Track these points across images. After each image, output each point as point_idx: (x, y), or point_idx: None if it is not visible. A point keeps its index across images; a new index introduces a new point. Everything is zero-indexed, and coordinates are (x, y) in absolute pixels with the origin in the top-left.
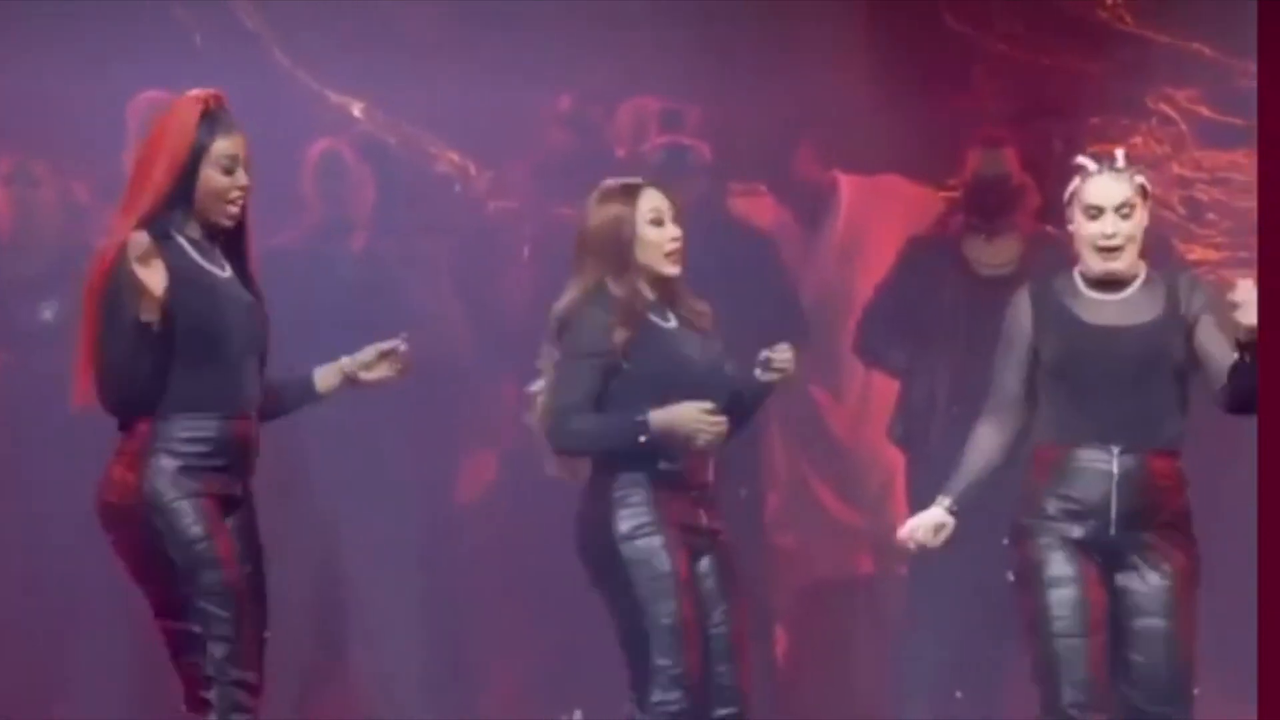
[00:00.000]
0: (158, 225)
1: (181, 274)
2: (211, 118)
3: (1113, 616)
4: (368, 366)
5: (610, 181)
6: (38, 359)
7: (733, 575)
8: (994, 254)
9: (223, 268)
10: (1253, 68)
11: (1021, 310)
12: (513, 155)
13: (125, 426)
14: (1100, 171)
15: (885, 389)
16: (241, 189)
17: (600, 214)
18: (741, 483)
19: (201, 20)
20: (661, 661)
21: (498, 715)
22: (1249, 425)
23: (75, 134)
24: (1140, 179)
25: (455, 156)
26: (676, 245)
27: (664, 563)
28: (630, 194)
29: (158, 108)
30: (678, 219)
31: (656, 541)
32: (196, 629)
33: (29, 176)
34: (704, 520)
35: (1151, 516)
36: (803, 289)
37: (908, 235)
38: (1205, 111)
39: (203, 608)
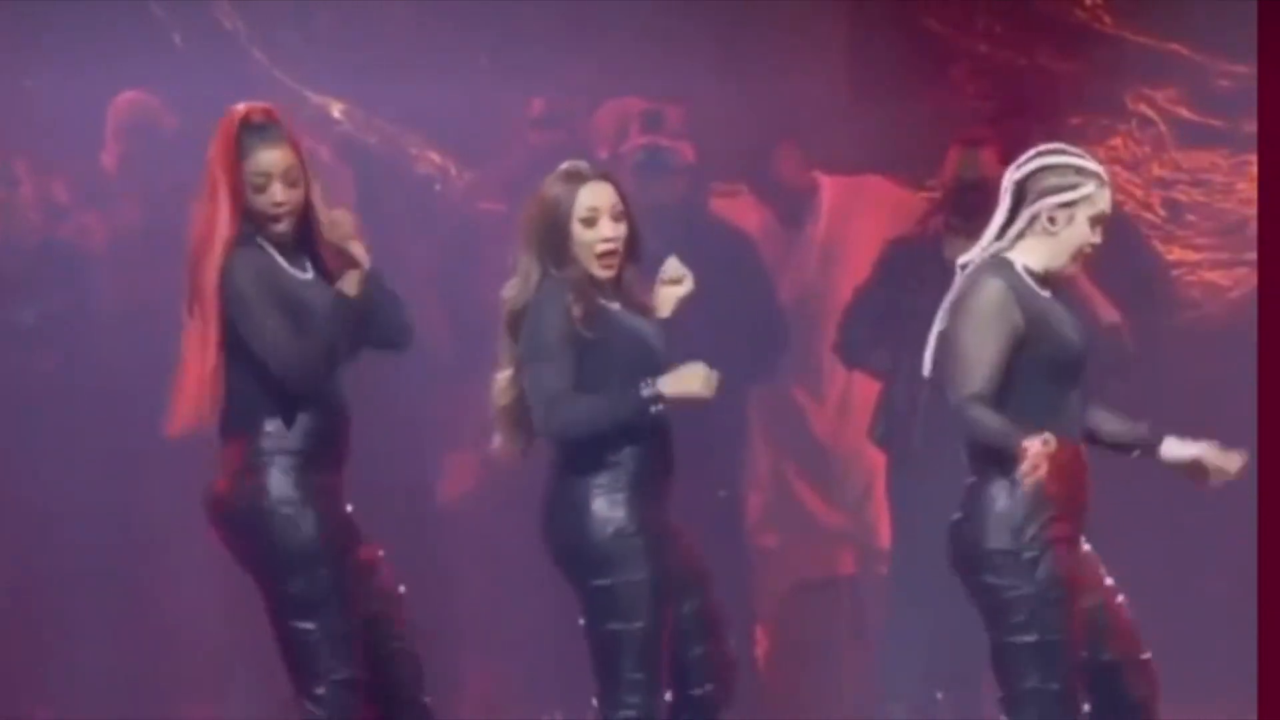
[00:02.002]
0: (243, 232)
1: (269, 277)
2: (243, 134)
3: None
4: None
5: (566, 165)
6: (16, 359)
7: (696, 557)
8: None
9: (305, 270)
10: (1232, 68)
11: (1007, 303)
12: (493, 155)
13: (227, 434)
14: (1104, 185)
15: (866, 390)
16: (279, 204)
17: (543, 200)
18: (723, 484)
19: (181, 20)
20: (630, 664)
21: (478, 717)
22: (1249, 425)
23: (55, 133)
24: None
25: (435, 157)
26: (609, 247)
27: (642, 568)
28: (572, 186)
29: (136, 107)
30: (624, 216)
31: (632, 542)
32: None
33: (8, 175)
34: (669, 516)
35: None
36: (783, 289)
37: (888, 236)
38: (1185, 112)
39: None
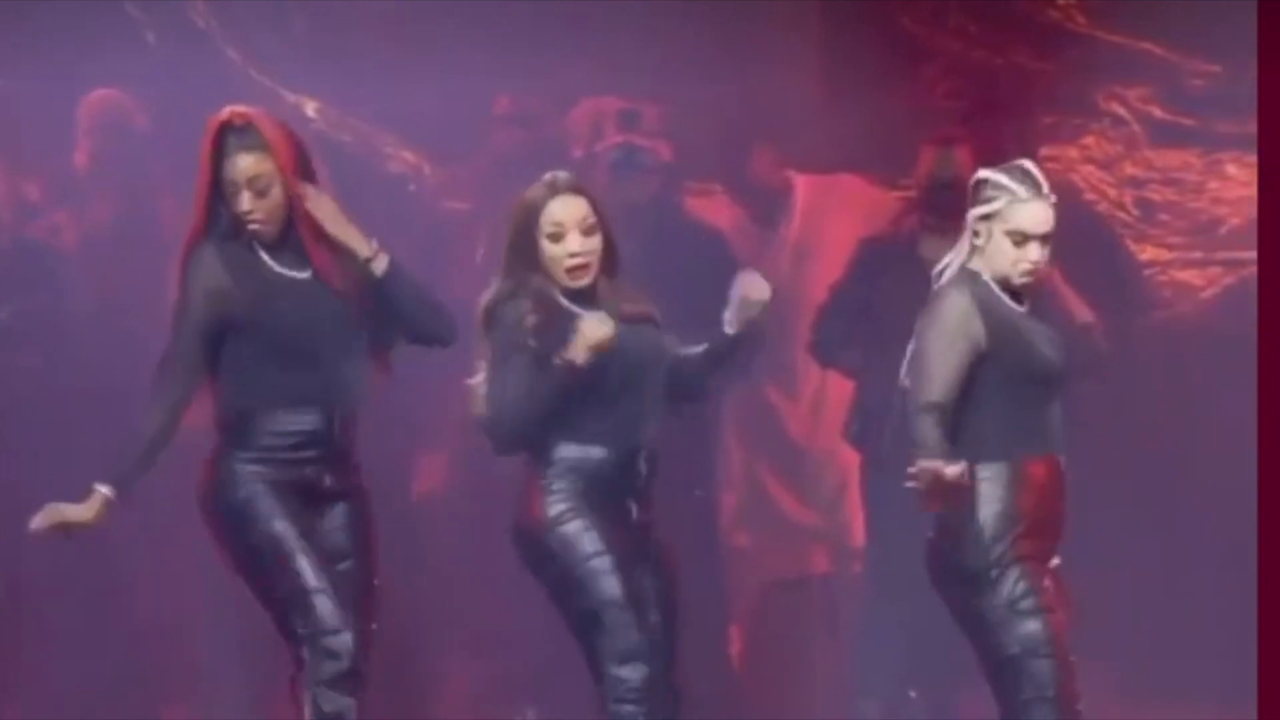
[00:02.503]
0: (220, 230)
1: (233, 274)
2: (222, 136)
3: None
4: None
5: (548, 176)
6: None
7: (669, 574)
8: (949, 253)
9: (301, 269)
10: (1204, 68)
11: (970, 315)
12: (467, 154)
13: (222, 426)
14: (1030, 199)
15: (841, 389)
16: (247, 211)
17: (520, 207)
18: (697, 483)
19: (154, 19)
20: (612, 638)
21: (452, 714)
22: (1248, 425)
23: (27, 132)
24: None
25: (409, 156)
26: (576, 261)
27: (593, 542)
28: (544, 198)
29: (109, 105)
30: (595, 229)
31: (580, 524)
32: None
33: None
34: (634, 513)
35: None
36: None
37: (863, 235)
38: (1157, 112)
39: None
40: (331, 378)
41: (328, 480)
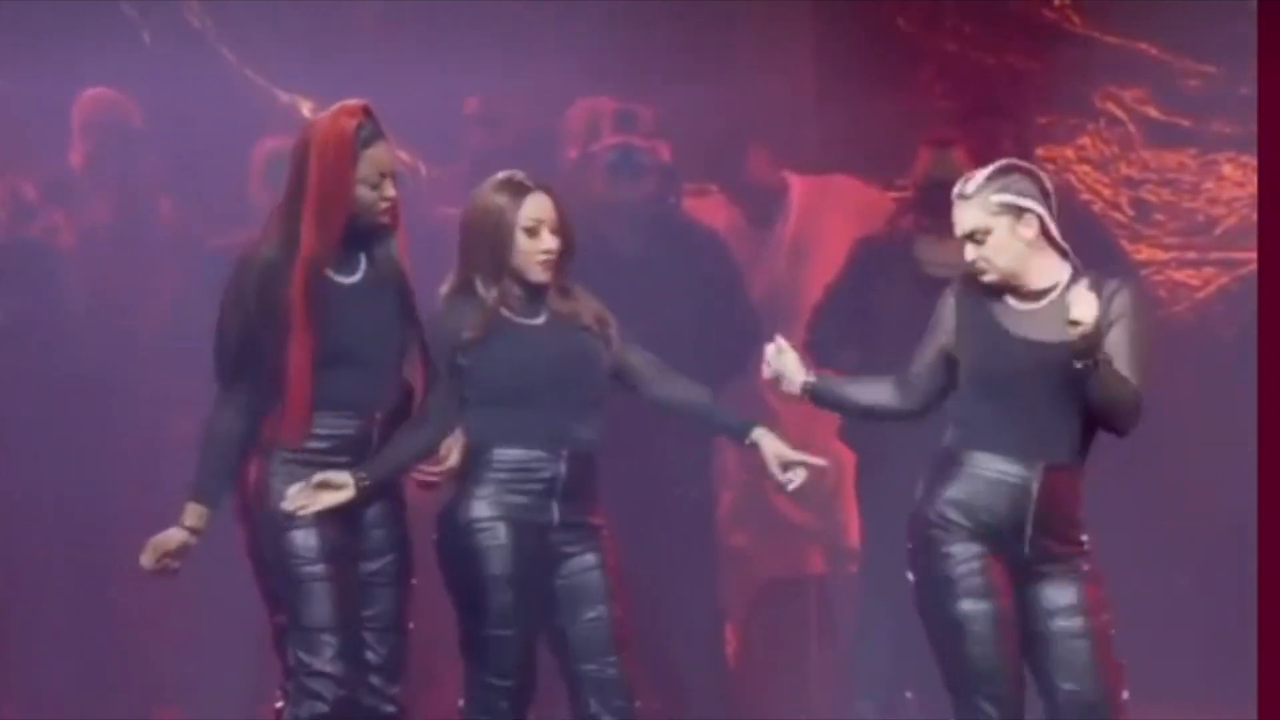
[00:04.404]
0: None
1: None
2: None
3: (1026, 630)
4: None
5: (500, 175)
6: None
7: (609, 569)
8: (945, 254)
9: (351, 274)
10: (1199, 68)
11: (947, 310)
12: (463, 154)
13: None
14: (956, 196)
15: None
16: (389, 198)
17: (482, 210)
18: (693, 483)
19: (150, 18)
20: (487, 655)
21: (445, 714)
22: (1245, 425)
23: (23, 132)
24: (1001, 198)
25: (404, 155)
26: (548, 258)
27: (497, 564)
28: (515, 196)
29: (105, 105)
30: (559, 228)
31: (490, 540)
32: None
33: None
34: (555, 516)
35: (1061, 531)
36: (753, 289)
37: (858, 235)
38: (1153, 112)
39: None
40: (373, 381)
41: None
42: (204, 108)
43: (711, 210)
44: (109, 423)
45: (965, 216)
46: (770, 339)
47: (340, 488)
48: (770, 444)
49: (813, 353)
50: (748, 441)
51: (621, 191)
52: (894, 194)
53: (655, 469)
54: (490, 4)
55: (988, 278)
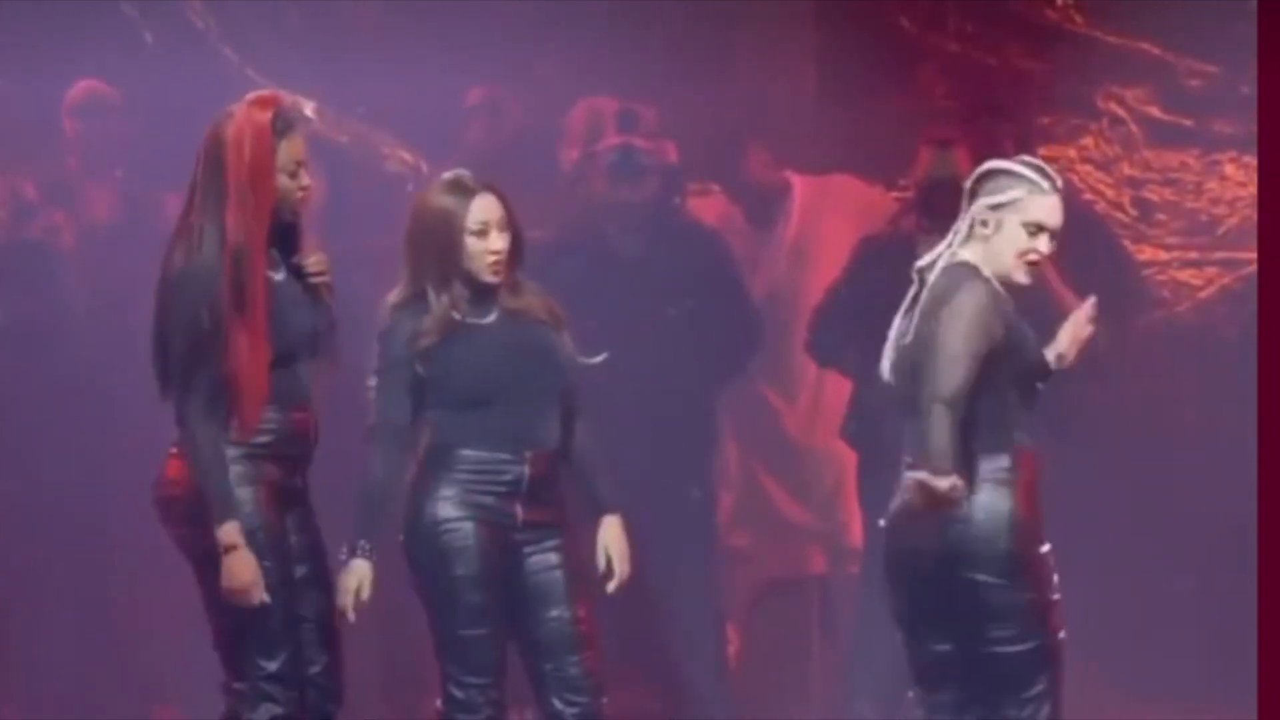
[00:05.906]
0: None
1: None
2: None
3: None
4: None
5: (447, 176)
6: None
7: (570, 569)
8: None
9: (277, 270)
10: (1202, 67)
11: (991, 312)
12: (466, 154)
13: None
14: (1050, 192)
15: (838, 389)
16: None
17: (428, 215)
18: (694, 483)
19: (151, 18)
20: (462, 674)
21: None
22: (1246, 425)
23: (23, 132)
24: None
25: (407, 155)
26: (497, 259)
27: (466, 565)
28: (462, 197)
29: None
30: (509, 227)
31: (459, 540)
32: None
33: None
34: (519, 514)
35: None
36: (755, 289)
37: (860, 235)
38: (1155, 112)
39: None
40: (304, 372)
41: (299, 481)
42: (206, 107)
43: (712, 210)
44: (109, 423)
45: (1060, 211)
46: (770, 339)
47: (357, 571)
48: (608, 532)
49: (813, 353)
50: (599, 518)
51: (622, 192)
52: (896, 194)
53: (656, 469)
54: (492, 4)
55: (1020, 275)
